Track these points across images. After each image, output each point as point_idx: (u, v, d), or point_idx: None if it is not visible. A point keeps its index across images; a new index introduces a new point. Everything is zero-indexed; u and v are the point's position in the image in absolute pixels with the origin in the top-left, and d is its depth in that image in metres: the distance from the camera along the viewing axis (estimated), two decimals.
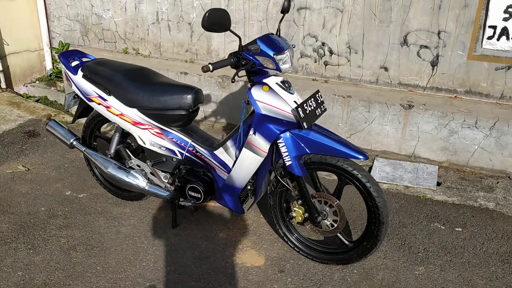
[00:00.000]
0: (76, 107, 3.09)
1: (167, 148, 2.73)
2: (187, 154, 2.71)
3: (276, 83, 2.37)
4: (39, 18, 5.16)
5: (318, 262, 2.65)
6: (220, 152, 2.62)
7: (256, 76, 2.41)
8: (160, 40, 4.77)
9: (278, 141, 2.40)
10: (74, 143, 2.98)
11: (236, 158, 2.52)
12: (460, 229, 2.98)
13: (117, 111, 2.76)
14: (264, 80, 2.37)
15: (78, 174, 3.57)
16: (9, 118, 4.39)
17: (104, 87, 2.77)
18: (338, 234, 2.58)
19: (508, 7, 3.43)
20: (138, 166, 2.90)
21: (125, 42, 4.96)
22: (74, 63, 2.94)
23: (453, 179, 3.54)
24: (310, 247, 2.68)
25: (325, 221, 2.53)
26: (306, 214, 2.52)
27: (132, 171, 2.87)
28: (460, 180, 3.53)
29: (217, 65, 2.20)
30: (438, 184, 3.49)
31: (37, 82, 5.24)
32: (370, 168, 3.69)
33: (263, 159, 2.45)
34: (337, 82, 4.17)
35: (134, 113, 2.72)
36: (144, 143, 2.77)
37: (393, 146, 3.84)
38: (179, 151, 2.72)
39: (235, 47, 4.29)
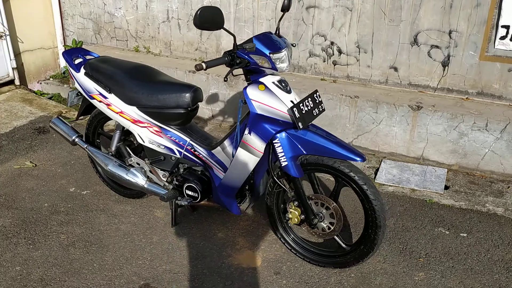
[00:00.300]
0: (79, 104, 3.11)
1: (165, 147, 2.73)
2: (185, 152, 2.69)
3: (273, 82, 2.34)
4: (53, 16, 5.24)
5: (315, 265, 2.61)
6: (217, 152, 2.60)
7: (253, 75, 2.38)
8: (170, 38, 4.78)
9: (274, 141, 2.36)
10: (76, 140, 3.00)
11: (233, 157, 2.50)
12: (465, 235, 2.90)
13: (117, 109, 2.77)
14: (261, 79, 2.34)
15: (83, 171, 3.60)
16: (21, 115, 4.46)
17: (105, 84, 2.78)
18: (335, 237, 2.53)
19: None
20: (138, 164, 2.91)
21: (136, 41, 4.99)
22: (77, 61, 2.96)
23: (462, 183, 3.44)
24: (307, 249, 2.63)
25: (322, 223, 2.48)
26: (303, 216, 2.48)
27: (131, 169, 2.88)
28: (469, 184, 3.44)
29: (211, 63, 2.18)
30: (446, 187, 3.40)
31: (50, 79, 5.31)
32: (377, 170, 3.63)
33: (259, 159, 2.41)
34: (346, 82, 4.11)
35: (133, 111, 2.73)
36: (143, 141, 2.77)
37: (401, 148, 3.76)
38: (177, 150, 2.71)
39: None
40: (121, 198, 3.25)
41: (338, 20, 3.97)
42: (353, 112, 3.82)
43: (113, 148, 2.96)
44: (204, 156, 2.64)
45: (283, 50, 2.30)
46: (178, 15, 4.63)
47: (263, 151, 2.38)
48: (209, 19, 2.06)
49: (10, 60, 4.80)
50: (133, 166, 2.91)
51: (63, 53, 3.00)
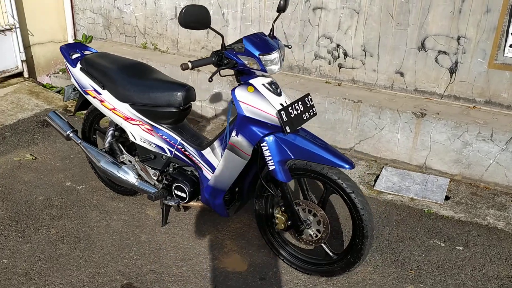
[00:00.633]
0: (76, 99, 3.10)
1: (156, 145, 2.70)
2: (176, 152, 2.66)
3: (262, 84, 2.29)
4: (64, 10, 5.27)
5: (301, 272, 2.55)
6: (207, 152, 2.56)
7: (243, 76, 2.33)
8: (177, 36, 4.77)
9: (262, 144, 2.31)
10: (71, 135, 3.00)
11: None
12: (461, 248, 2.80)
13: (110, 105, 2.75)
14: (250, 81, 2.29)
15: (81, 165, 3.60)
16: (27, 107, 4.50)
17: (99, 80, 2.77)
18: (323, 245, 2.47)
19: None
20: (130, 161, 2.89)
21: (144, 37, 4.99)
22: (74, 56, 2.96)
23: (464, 194, 3.34)
24: (295, 256, 2.58)
25: (309, 230, 2.42)
26: (289, 222, 2.42)
27: (123, 167, 2.86)
28: (471, 195, 3.33)
29: (197, 63, 2.14)
30: (447, 198, 3.30)
31: (60, 73, 5.35)
32: (377, 177, 3.54)
33: (246, 162, 2.37)
34: (351, 85, 4.03)
35: (125, 108, 2.71)
36: (135, 139, 2.75)
37: (403, 155, 3.67)
38: (168, 149, 2.68)
39: None
40: (115, 194, 3.24)
41: (344, 22, 3.89)
42: (355, 117, 3.74)
43: (107, 145, 2.95)
44: (194, 156, 2.61)
45: (274, 51, 2.25)
46: None
47: (250, 154, 2.33)
48: (195, 19, 2.02)
49: (20, 52, 4.85)
50: (125, 164, 2.89)
51: (60, 48, 3.00)
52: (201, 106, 4.46)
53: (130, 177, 2.83)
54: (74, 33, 5.42)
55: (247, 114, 2.27)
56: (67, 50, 2.97)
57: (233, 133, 2.33)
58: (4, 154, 3.74)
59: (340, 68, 4.05)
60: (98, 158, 2.91)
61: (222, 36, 2.19)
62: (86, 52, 3.00)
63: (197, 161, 2.60)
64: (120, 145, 2.93)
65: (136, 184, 2.83)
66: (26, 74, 4.99)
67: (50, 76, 5.30)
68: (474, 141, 3.38)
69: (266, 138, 2.30)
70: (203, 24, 2.06)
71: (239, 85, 2.33)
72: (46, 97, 4.74)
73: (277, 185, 2.42)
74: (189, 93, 2.61)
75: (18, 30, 4.76)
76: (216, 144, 2.53)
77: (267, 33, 2.41)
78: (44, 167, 3.59)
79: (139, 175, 2.85)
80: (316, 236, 2.42)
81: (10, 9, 4.64)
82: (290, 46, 2.65)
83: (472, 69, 3.54)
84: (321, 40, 4.04)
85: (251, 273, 2.56)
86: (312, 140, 2.28)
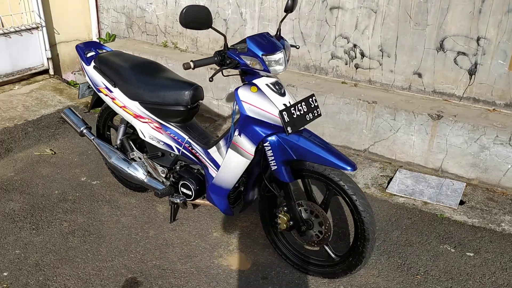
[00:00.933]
0: (91, 96, 3.18)
1: (164, 143, 2.74)
2: (183, 150, 2.70)
3: (266, 84, 2.29)
4: (89, 10, 5.40)
5: (304, 273, 2.55)
6: (213, 151, 2.58)
7: (247, 76, 2.34)
8: (197, 35, 4.81)
9: (264, 144, 2.32)
10: (84, 131, 3.07)
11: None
12: (471, 254, 2.73)
13: (121, 103, 2.81)
14: (254, 81, 2.30)
15: (97, 161, 3.69)
16: (50, 103, 4.63)
17: (111, 78, 2.83)
18: (325, 246, 2.45)
19: None
20: (140, 158, 2.94)
21: (165, 36, 5.06)
22: (89, 54, 3.03)
23: (480, 199, 3.25)
24: (298, 257, 2.57)
25: (311, 231, 2.41)
26: (291, 222, 2.42)
27: (133, 163, 2.92)
28: (487, 200, 3.24)
29: (199, 62, 2.16)
30: (462, 203, 3.22)
31: None
32: (391, 179, 3.49)
33: (249, 161, 2.37)
34: (368, 86, 3.98)
35: (135, 106, 2.76)
36: (144, 136, 2.80)
37: (418, 158, 3.60)
38: (176, 147, 2.72)
39: None
40: (128, 190, 3.31)
41: (362, 22, 3.85)
42: (370, 118, 3.69)
43: (118, 142, 3.01)
44: (201, 155, 2.63)
45: (278, 52, 2.24)
46: None
47: (253, 154, 2.34)
48: (195, 19, 2.03)
49: (46, 50, 4.99)
50: (135, 160, 2.95)
51: (76, 46, 3.08)
52: (218, 104, 4.49)
53: (140, 174, 2.89)
54: (99, 31, 5.54)
55: (250, 114, 2.28)
56: (82, 48, 3.05)
57: (236, 133, 2.35)
58: (25, 149, 3.87)
59: (356, 68, 4.01)
60: (109, 154, 2.97)
61: (225, 36, 2.20)
62: (101, 51, 3.07)
63: (203, 160, 2.63)
64: (131, 142, 2.99)
65: (145, 180, 2.88)
66: (51, 72, 5.14)
67: (74, 74, 5.44)
68: (491, 145, 3.28)
69: (269, 138, 2.30)
70: (203, 24, 2.08)
71: (243, 85, 2.34)
72: (69, 94, 4.87)
73: (280, 186, 2.42)
74: (197, 92, 2.63)
75: (44, 29, 4.91)
76: (221, 143, 2.54)
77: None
78: (62, 162, 3.69)
79: (148, 172, 2.90)
80: (318, 237, 2.41)
81: (36, 8, 4.78)
82: (298, 47, 2.63)
83: (492, 70, 3.44)
84: (338, 40, 4.01)
85: (254, 272, 2.57)
86: (315, 141, 2.27)
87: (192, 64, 2.13)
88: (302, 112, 2.28)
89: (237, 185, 2.62)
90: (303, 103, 2.30)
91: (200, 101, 2.72)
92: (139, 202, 3.18)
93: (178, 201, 2.70)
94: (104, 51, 3.08)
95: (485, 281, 2.53)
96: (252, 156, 2.35)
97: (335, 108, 3.81)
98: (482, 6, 3.34)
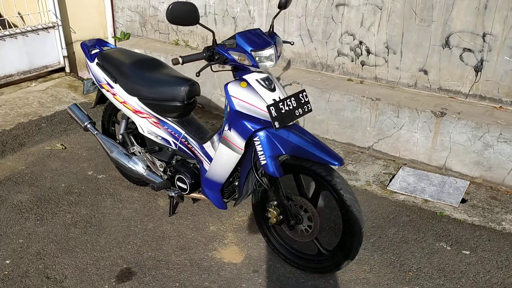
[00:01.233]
0: (95, 92, 3.27)
1: (162, 138, 2.80)
2: (180, 145, 2.75)
3: (256, 80, 2.32)
4: (105, 9, 5.54)
5: (295, 267, 2.57)
6: (207, 146, 2.63)
7: (238, 72, 2.37)
8: (207, 33, 4.87)
9: (254, 139, 2.35)
10: (88, 126, 3.17)
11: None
12: (467, 252, 2.70)
13: (121, 99, 2.89)
14: (244, 76, 2.33)
15: (105, 156, 3.78)
16: (64, 100, 4.77)
17: (112, 74, 2.91)
18: (314, 241, 2.47)
19: None
20: (139, 153, 3.01)
21: (177, 34, 5.14)
22: (94, 51, 3.12)
23: (482, 198, 3.20)
24: (289, 251, 2.60)
25: (300, 225, 2.44)
26: (281, 216, 2.44)
27: (133, 157, 2.99)
28: (490, 199, 3.19)
29: (188, 58, 2.21)
30: (464, 201, 3.18)
31: None
32: (393, 176, 3.47)
33: (239, 156, 2.41)
34: (373, 83, 3.96)
35: (134, 102, 2.83)
36: (143, 131, 2.87)
37: (422, 155, 3.56)
38: (173, 142, 2.78)
39: None
40: (131, 184, 3.39)
41: (367, 19, 3.83)
42: (374, 115, 3.68)
43: (119, 136, 3.09)
44: (196, 149, 2.69)
45: (269, 48, 2.27)
46: (215, 10, 4.70)
47: (243, 148, 2.38)
48: (181, 15, 2.08)
49: (62, 48, 5.15)
50: (135, 155, 3.02)
51: (81, 44, 3.18)
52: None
53: (139, 168, 2.96)
54: (114, 30, 5.67)
55: (239, 109, 2.32)
56: (87, 46, 3.14)
57: (226, 127, 2.39)
58: (38, 143, 4.00)
59: (362, 65, 3.99)
60: (111, 148, 3.06)
61: (213, 32, 2.25)
62: (105, 48, 3.16)
63: (198, 154, 2.68)
64: (131, 137, 3.06)
65: (144, 174, 2.95)
66: (67, 69, 5.29)
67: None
68: (495, 143, 3.23)
69: (259, 133, 2.33)
70: (190, 21, 2.12)
71: (233, 80, 2.38)
72: None
73: (270, 180, 2.45)
74: (193, 88, 2.68)
75: (60, 27, 5.06)
76: (215, 138, 2.59)
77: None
78: (72, 156, 3.81)
79: (147, 166, 2.97)
80: (307, 231, 2.43)
81: (53, 8, 4.94)
82: (292, 43, 2.66)
83: (498, 67, 3.38)
84: (344, 37, 4.00)
85: (246, 265, 2.61)
86: (304, 136, 2.29)
87: (180, 60, 2.18)
88: (291, 108, 2.30)
89: (231, 179, 2.67)
90: (292, 98, 2.32)
91: (197, 96, 2.77)
92: (141, 196, 3.26)
93: (173, 194, 2.76)
94: (107, 48, 3.17)
95: (479, 279, 2.50)
96: (242, 151, 2.39)
97: (339, 105, 3.81)
98: (487, 2, 3.28)
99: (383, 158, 3.72)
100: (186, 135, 2.72)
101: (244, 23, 4.53)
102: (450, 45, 3.53)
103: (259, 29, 2.40)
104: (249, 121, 2.32)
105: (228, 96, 2.34)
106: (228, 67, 2.40)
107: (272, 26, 2.50)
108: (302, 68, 4.34)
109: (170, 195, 2.78)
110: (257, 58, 2.24)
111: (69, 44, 5.30)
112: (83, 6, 5.36)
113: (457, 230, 2.90)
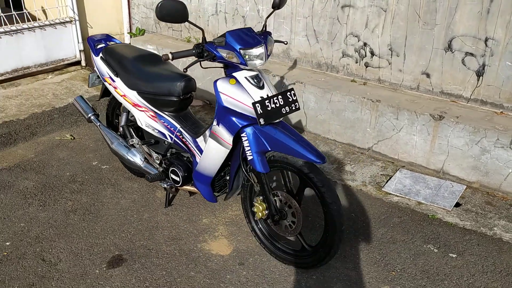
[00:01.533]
0: (100, 86, 3.39)
1: (159, 131, 2.90)
2: (175, 138, 2.85)
3: (245, 77, 2.38)
4: (121, 5, 5.68)
5: (280, 261, 2.63)
6: (200, 140, 2.71)
7: (229, 69, 2.45)
8: (218, 31, 4.96)
9: (241, 135, 2.42)
10: (92, 117, 3.29)
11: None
12: (454, 255, 2.71)
13: (122, 92, 3.00)
14: (233, 74, 2.40)
15: None
16: (78, 93, 4.93)
17: (114, 69, 3.02)
18: (299, 236, 2.53)
19: None
20: (138, 145, 3.12)
21: (189, 31, 5.25)
22: (99, 46, 3.24)
23: (477, 202, 3.20)
24: (275, 245, 2.66)
25: (285, 221, 2.49)
26: (267, 211, 2.51)
27: (132, 149, 3.10)
28: (485, 204, 3.18)
29: (178, 54, 2.29)
30: (458, 205, 3.18)
31: None
32: (390, 178, 3.49)
33: (228, 150, 2.49)
34: (376, 85, 3.98)
35: (134, 95, 2.93)
36: (141, 124, 2.98)
37: (420, 158, 3.57)
38: (169, 135, 2.87)
39: (286, 39, 4.33)
40: (132, 175, 3.50)
41: (372, 20, 3.85)
42: (374, 117, 3.70)
43: (120, 129, 3.20)
44: (190, 143, 2.77)
45: (258, 47, 2.33)
46: (225, 9, 4.79)
47: (231, 143, 2.45)
48: (170, 13, 2.15)
49: (78, 43, 5.31)
50: (134, 147, 3.13)
51: (87, 38, 3.30)
52: None
53: (137, 159, 3.07)
54: (130, 26, 5.82)
55: (227, 105, 2.39)
56: (93, 40, 3.26)
57: (215, 122, 2.47)
58: (48, 133, 4.16)
59: (366, 67, 4.02)
60: (112, 140, 3.17)
61: (202, 30, 2.33)
62: (110, 43, 3.27)
63: (192, 148, 2.76)
64: (131, 129, 3.17)
65: (142, 166, 3.06)
66: (83, 63, 5.45)
67: None
68: (492, 148, 3.22)
69: (246, 129, 2.40)
70: (179, 19, 2.20)
71: (223, 77, 2.45)
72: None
73: (256, 175, 2.52)
74: (189, 84, 2.77)
75: (77, 22, 5.22)
76: (207, 132, 2.67)
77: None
78: (79, 147, 3.95)
79: (145, 158, 3.08)
80: (291, 227, 2.48)
81: (70, 3, 5.10)
82: (286, 42, 2.72)
83: (500, 72, 3.36)
84: (348, 38, 4.03)
85: (232, 258, 2.68)
86: (289, 134, 2.35)
87: (170, 56, 2.26)
88: (278, 105, 2.36)
89: (222, 173, 2.74)
90: (279, 96, 2.38)
91: (193, 92, 2.85)
92: (141, 187, 3.37)
93: (166, 186, 2.85)
94: (112, 43, 3.28)
95: (462, 282, 2.52)
96: (230, 146, 2.46)
97: (341, 106, 3.85)
98: (490, 6, 3.27)
99: (382, 159, 3.74)
100: (181, 129, 2.81)
101: (253, 22, 4.60)
102: (452, 48, 3.52)
103: (250, 28, 2.47)
104: (236, 117, 2.39)
105: (216, 92, 2.41)
106: (219, 64, 2.47)
107: (265, 25, 2.57)
108: (308, 68, 4.39)
109: (163, 186, 2.88)
110: (246, 56, 2.31)
111: (85, 38, 5.46)
112: (100, 2, 5.51)
113: (447, 233, 2.91)
